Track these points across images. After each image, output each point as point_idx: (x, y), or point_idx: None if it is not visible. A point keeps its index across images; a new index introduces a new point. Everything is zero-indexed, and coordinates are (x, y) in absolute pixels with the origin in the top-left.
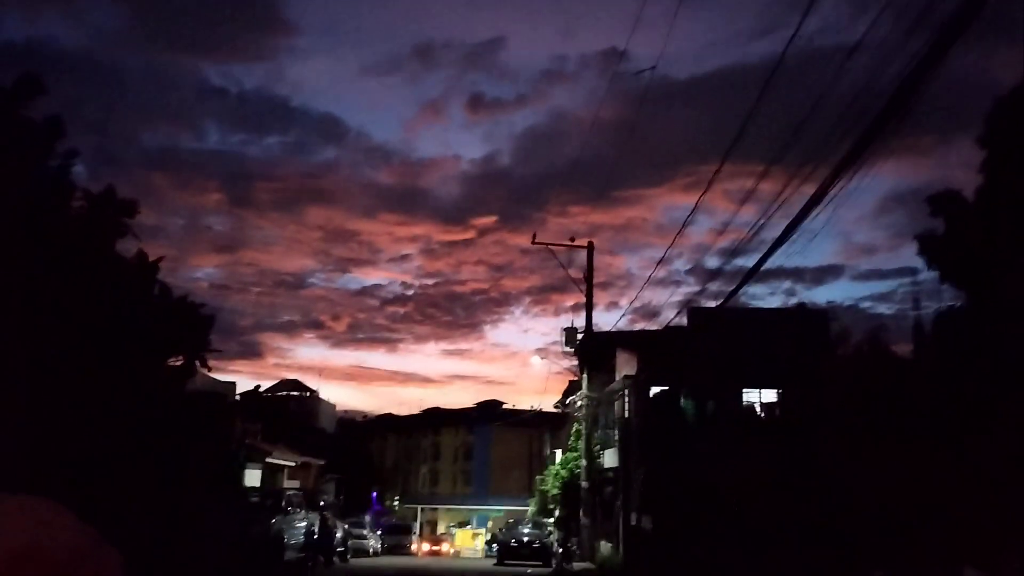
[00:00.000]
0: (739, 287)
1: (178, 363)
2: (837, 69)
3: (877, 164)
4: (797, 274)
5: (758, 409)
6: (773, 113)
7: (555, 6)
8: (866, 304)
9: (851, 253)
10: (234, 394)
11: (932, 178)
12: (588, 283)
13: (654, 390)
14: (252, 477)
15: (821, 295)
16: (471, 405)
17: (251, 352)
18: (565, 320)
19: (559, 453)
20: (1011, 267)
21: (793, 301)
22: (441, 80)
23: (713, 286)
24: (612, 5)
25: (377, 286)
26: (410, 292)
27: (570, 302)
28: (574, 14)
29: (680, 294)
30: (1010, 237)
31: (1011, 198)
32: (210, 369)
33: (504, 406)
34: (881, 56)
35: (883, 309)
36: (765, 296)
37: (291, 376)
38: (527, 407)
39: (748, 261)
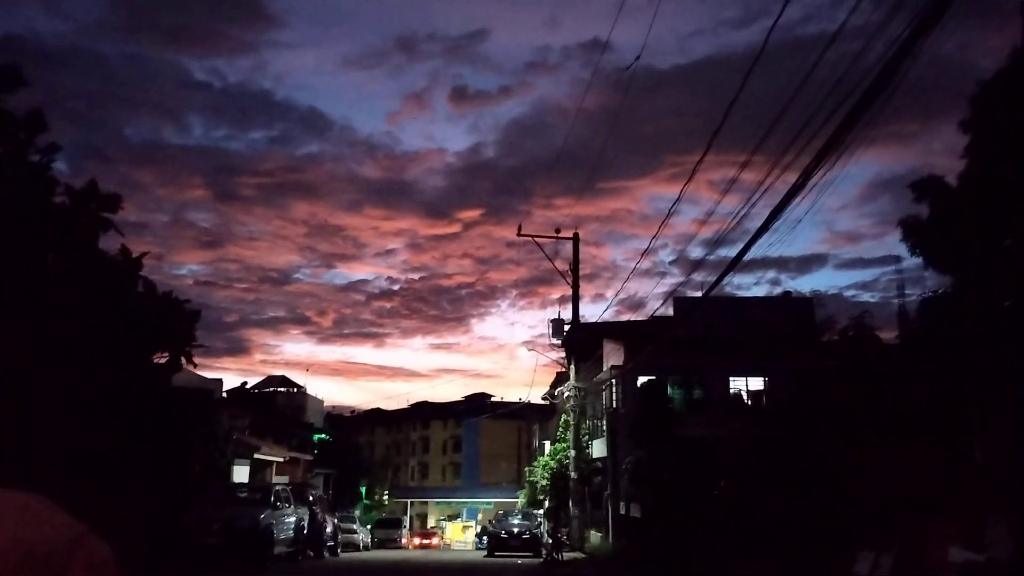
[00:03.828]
0: (723, 276)
1: (163, 359)
2: (819, 56)
3: (859, 150)
4: (781, 263)
5: (744, 396)
6: (756, 102)
7: None
8: (850, 292)
9: (835, 242)
10: (221, 391)
11: (915, 165)
12: (574, 274)
13: (641, 380)
14: (241, 472)
15: (805, 284)
16: (459, 398)
17: (237, 348)
18: (552, 312)
19: (548, 444)
20: (996, 250)
21: (778, 291)
22: (425, 72)
23: (698, 276)
24: None
25: (363, 281)
26: (396, 287)
27: (556, 294)
28: (557, 5)
29: (665, 285)
30: (995, 220)
31: (995, 181)
32: (196, 365)
33: (492, 399)
34: (863, 42)
35: (867, 297)
36: (750, 286)
37: (278, 372)
38: (515, 399)
39: (732, 251)
